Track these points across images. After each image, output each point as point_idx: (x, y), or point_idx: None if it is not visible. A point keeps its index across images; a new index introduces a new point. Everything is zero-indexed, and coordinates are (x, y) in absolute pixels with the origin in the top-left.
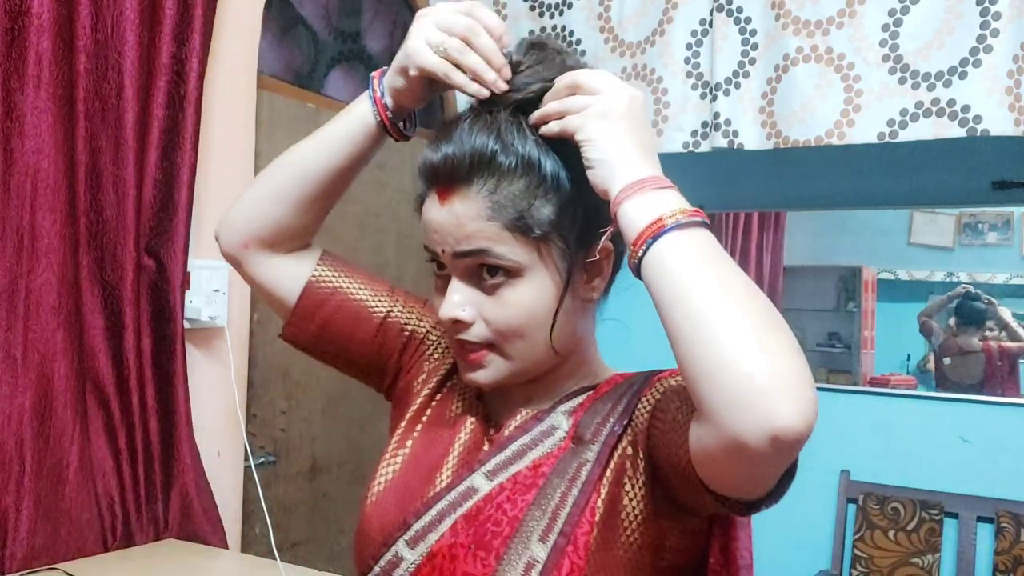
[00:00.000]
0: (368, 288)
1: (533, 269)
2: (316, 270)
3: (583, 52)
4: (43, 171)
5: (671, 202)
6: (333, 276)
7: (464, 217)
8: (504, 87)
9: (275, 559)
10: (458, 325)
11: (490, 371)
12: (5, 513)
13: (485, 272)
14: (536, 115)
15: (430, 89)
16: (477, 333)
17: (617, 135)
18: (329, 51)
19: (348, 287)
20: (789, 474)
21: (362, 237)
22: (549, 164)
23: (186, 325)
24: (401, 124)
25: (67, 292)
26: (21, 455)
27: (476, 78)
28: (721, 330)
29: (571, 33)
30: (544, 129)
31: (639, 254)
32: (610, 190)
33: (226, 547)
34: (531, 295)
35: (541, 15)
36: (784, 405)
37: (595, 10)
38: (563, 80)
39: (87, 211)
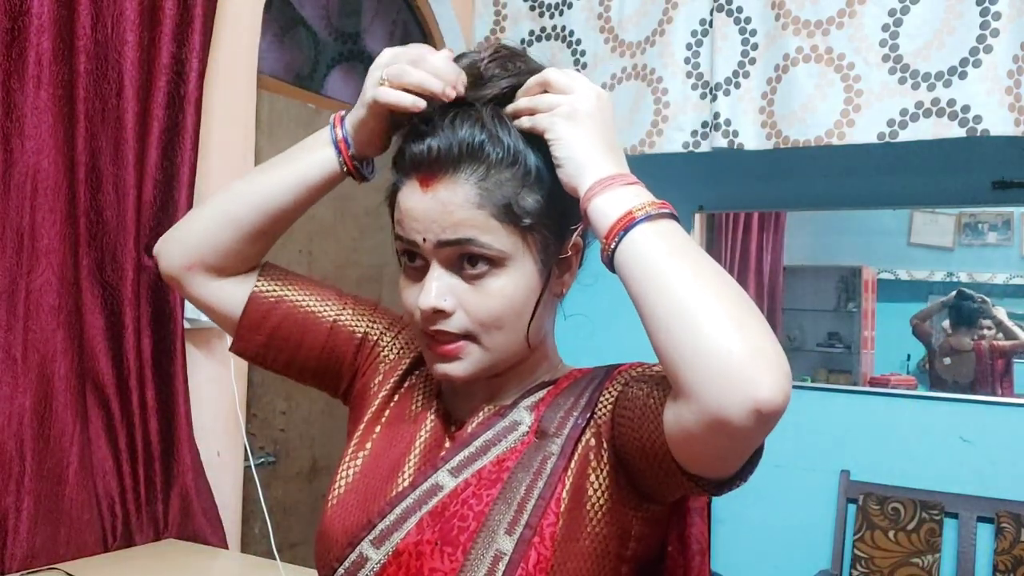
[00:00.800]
0: (314, 295)
1: (516, 259)
2: (258, 282)
3: (583, 52)
4: (43, 171)
5: (639, 196)
6: (277, 286)
7: (451, 204)
8: (454, 94)
9: (275, 559)
10: (437, 315)
11: (466, 363)
12: (5, 513)
13: (466, 261)
14: (508, 110)
15: (391, 133)
16: (456, 323)
17: (584, 134)
18: (329, 51)
19: (293, 295)
20: (757, 454)
21: (362, 237)
22: (532, 156)
23: (186, 325)
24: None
25: (67, 292)
26: (21, 455)
27: (422, 92)
28: (699, 312)
29: (571, 33)
30: (516, 124)
31: (611, 247)
32: (579, 187)
33: (226, 547)
34: (513, 285)
35: (541, 15)
36: (764, 378)
37: (595, 10)
38: (534, 78)
39: (87, 211)
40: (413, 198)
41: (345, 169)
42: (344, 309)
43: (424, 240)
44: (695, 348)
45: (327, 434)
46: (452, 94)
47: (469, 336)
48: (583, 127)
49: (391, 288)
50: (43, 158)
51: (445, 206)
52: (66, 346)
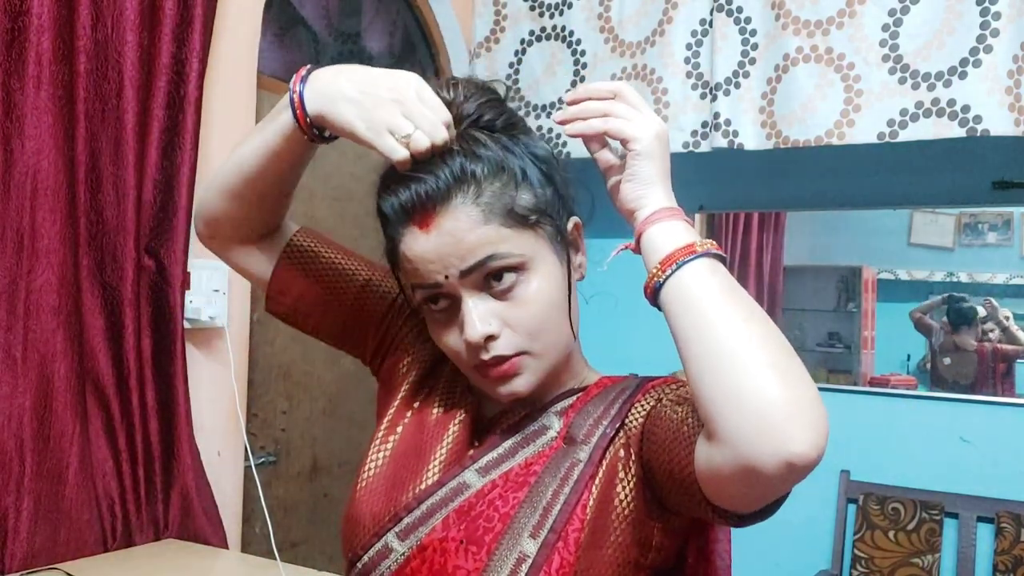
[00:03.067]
0: (347, 257)
1: (536, 258)
2: (293, 239)
3: (583, 52)
4: (43, 171)
5: (694, 233)
6: (311, 244)
7: (460, 231)
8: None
9: (275, 559)
10: (488, 341)
11: (526, 376)
12: (5, 513)
13: (492, 279)
14: (572, 110)
15: None
16: (507, 344)
17: (663, 160)
18: (329, 51)
19: (326, 253)
20: (785, 494)
21: (362, 237)
22: (513, 160)
23: (186, 325)
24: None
25: (67, 292)
26: (21, 455)
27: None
28: (746, 360)
29: (571, 33)
30: (583, 126)
31: (666, 274)
32: (644, 207)
33: (226, 547)
34: (545, 284)
35: (541, 15)
36: (801, 434)
37: (595, 10)
38: (604, 84)
39: (87, 211)
40: (418, 243)
41: (299, 126)
42: (375, 272)
43: (447, 276)
44: (736, 396)
45: (328, 434)
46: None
47: (521, 351)
48: (665, 153)
49: None
50: (43, 158)
51: (453, 235)
52: (66, 346)
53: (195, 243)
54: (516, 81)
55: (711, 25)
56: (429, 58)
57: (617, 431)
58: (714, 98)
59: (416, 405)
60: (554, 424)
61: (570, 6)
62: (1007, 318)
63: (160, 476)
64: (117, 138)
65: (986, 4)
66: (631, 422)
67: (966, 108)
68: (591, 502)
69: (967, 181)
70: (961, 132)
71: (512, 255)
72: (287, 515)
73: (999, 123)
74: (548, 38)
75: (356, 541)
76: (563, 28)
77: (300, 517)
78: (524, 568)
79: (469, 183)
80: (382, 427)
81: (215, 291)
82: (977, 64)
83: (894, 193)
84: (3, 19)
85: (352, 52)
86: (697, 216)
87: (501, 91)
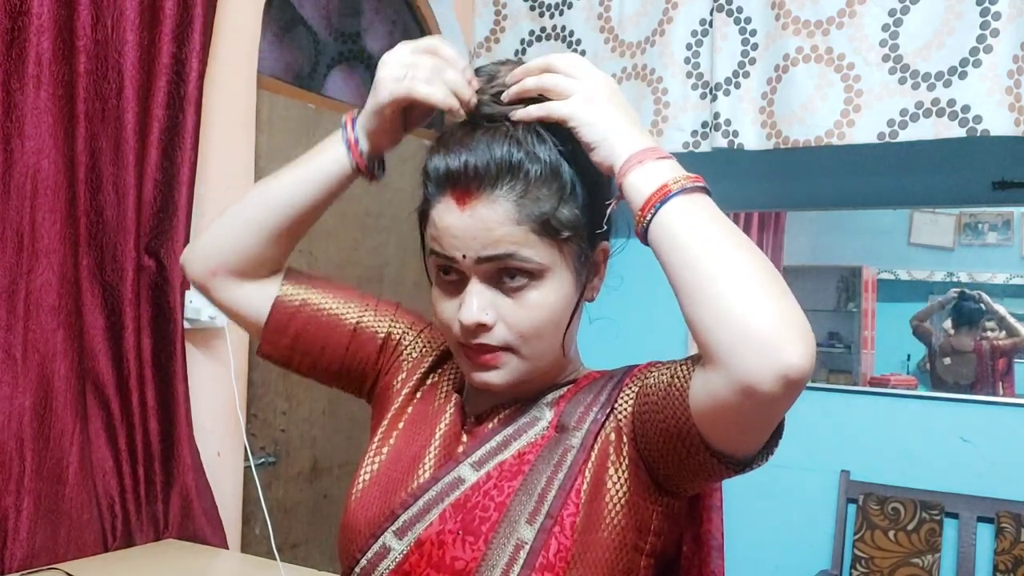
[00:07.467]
0: (337, 298)
1: (554, 271)
2: (283, 287)
3: (583, 52)
4: (43, 171)
5: (673, 169)
6: (300, 290)
7: (491, 221)
8: (471, 106)
9: (275, 559)
10: (479, 329)
11: (504, 372)
12: (5, 513)
13: (505, 275)
14: (513, 91)
15: (404, 127)
16: (497, 336)
17: (609, 115)
18: (329, 51)
19: (316, 299)
20: (778, 433)
21: (363, 237)
22: (567, 170)
23: (186, 325)
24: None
25: (67, 292)
26: (21, 455)
27: (455, 92)
28: (732, 280)
29: (571, 33)
30: (522, 113)
31: (647, 219)
32: (615, 165)
33: (226, 547)
34: (553, 296)
35: (541, 15)
36: (792, 345)
37: (595, 10)
38: (536, 62)
39: (87, 211)
40: (450, 216)
41: (356, 167)
42: (366, 311)
43: (464, 256)
44: (728, 314)
45: (328, 434)
46: (469, 108)
47: (509, 348)
48: (606, 108)
49: (391, 288)
50: (43, 158)
51: (485, 223)
52: (66, 346)
53: None
54: None
55: (711, 25)
56: None
57: (607, 416)
58: (714, 98)
59: (407, 415)
60: (545, 415)
61: (570, 6)
62: (1005, 313)
63: (160, 476)
64: (117, 138)
65: (986, 4)
66: (620, 407)
67: (966, 108)
68: (585, 486)
69: (967, 181)
70: (961, 132)
71: (532, 261)
72: (287, 516)
73: (999, 123)
74: (548, 38)
75: (353, 546)
76: (563, 28)
77: (300, 518)
78: (522, 554)
79: (518, 178)
80: (376, 439)
81: None
82: (977, 64)
83: (894, 193)
84: (3, 19)
85: (352, 52)
86: None
87: None
